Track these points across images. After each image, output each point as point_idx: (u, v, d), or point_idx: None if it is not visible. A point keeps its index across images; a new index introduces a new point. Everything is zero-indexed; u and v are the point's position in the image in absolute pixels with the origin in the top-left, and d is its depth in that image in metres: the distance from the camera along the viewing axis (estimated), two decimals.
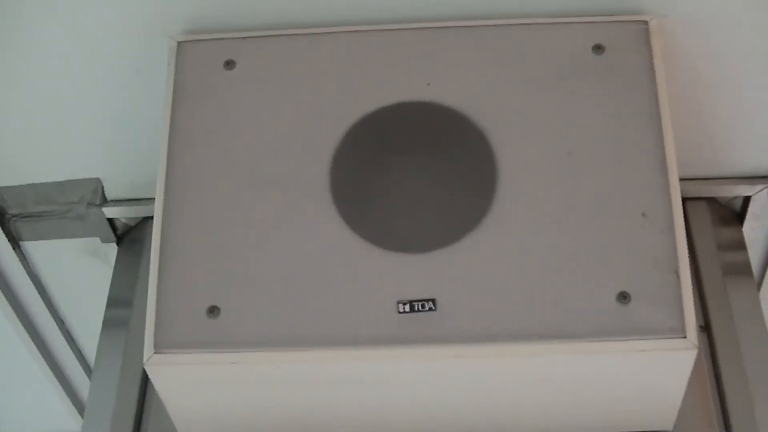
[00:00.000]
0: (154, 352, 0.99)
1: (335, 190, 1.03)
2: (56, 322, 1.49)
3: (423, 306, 0.98)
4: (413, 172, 1.03)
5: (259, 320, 0.99)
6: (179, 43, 1.10)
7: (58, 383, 1.59)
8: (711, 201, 1.30)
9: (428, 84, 1.07)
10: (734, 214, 1.30)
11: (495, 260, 0.99)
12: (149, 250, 1.03)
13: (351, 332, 0.98)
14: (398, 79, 1.07)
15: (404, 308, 0.98)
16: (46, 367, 1.55)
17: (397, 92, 1.07)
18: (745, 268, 1.27)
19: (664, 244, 0.99)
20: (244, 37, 1.10)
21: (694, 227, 1.28)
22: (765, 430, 1.13)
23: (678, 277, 0.98)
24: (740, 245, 1.29)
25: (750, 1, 1.09)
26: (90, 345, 1.55)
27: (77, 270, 1.42)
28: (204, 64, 1.09)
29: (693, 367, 0.99)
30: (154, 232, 1.03)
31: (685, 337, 0.96)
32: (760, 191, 1.26)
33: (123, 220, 1.34)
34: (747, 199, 1.28)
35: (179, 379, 1.02)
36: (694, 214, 1.28)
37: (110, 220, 1.32)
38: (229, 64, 1.09)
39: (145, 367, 1.00)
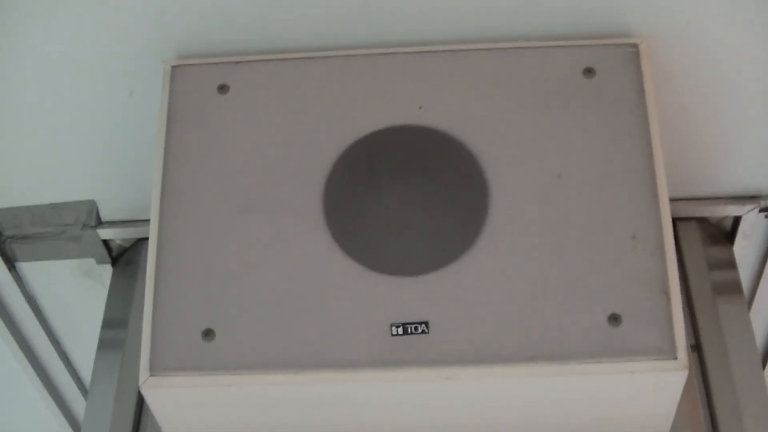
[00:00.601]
0: (150, 375, 1.00)
1: (328, 214, 1.04)
2: (52, 342, 1.50)
3: (416, 329, 0.99)
4: (406, 196, 1.04)
5: (253, 343, 0.99)
6: (173, 67, 1.11)
7: (54, 403, 1.59)
8: (701, 221, 1.30)
9: (420, 108, 1.08)
10: (724, 233, 1.31)
11: (487, 283, 1.00)
12: (144, 271, 1.04)
13: (345, 355, 0.98)
14: (390, 103, 1.08)
15: (397, 331, 0.99)
16: (42, 388, 1.55)
17: (388, 116, 1.08)
18: (735, 287, 1.27)
19: (654, 266, 1.00)
20: (237, 62, 1.11)
21: (685, 247, 1.28)
22: None
23: (668, 298, 0.98)
24: (731, 264, 1.29)
25: (738, 21, 1.09)
26: (86, 365, 1.55)
27: (72, 291, 1.42)
28: (197, 88, 1.10)
29: (684, 387, 1.00)
30: (149, 255, 1.04)
31: (676, 358, 0.97)
32: (750, 211, 1.27)
33: (118, 242, 1.34)
34: (737, 219, 1.29)
35: (175, 401, 1.03)
36: (685, 234, 1.29)
37: (105, 242, 1.33)
38: (223, 89, 1.10)
39: (141, 390, 1.00)
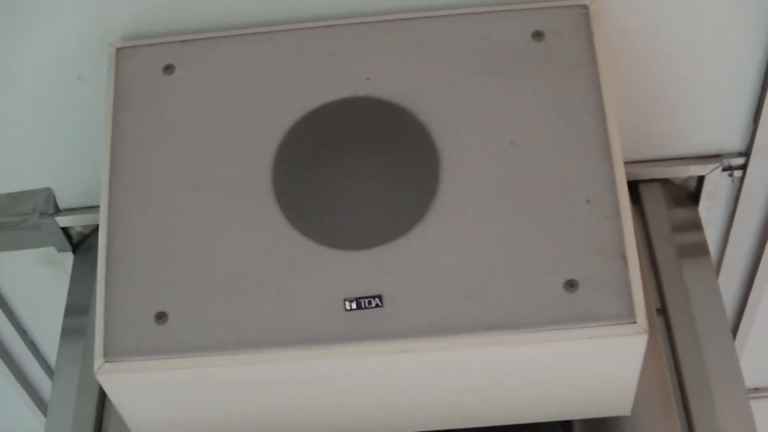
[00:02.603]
0: (105, 361, 0.99)
1: (278, 190, 1.03)
2: (18, 332, 1.49)
3: (369, 302, 0.98)
4: (355, 168, 1.03)
5: (206, 324, 0.99)
6: (118, 49, 1.10)
7: (24, 391, 1.59)
8: (665, 182, 1.29)
9: (368, 79, 1.06)
10: (689, 194, 1.30)
11: (440, 253, 0.99)
12: None
13: (299, 332, 0.98)
14: (338, 75, 1.07)
15: (351, 305, 0.98)
16: (12, 378, 1.55)
17: (337, 89, 1.06)
18: (702, 249, 1.26)
19: (610, 230, 0.98)
20: (183, 41, 1.10)
21: (648, 209, 1.27)
22: (723, 412, 1.13)
23: (626, 262, 0.97)
24: (696, 226, 1.28)
25: None
26: (53, 352, 1.54)
27: (36, 280, 1.42)
28: (143, 69, 1.09)
29: (650, 350, 0.99)
30: (99, 240, 1.03)
31: (635, 322, 0.95)
32: (713, 170, 1.26)
33: (77, 229, 1.33)
34: (701, 179, 1.28)
35: (131, 386, 1.02)
36: (648, 196, 1.28)
37: (64, 229, 1.32)
38: (168, 69, 1.08)
39: (96, 376, 0.99)
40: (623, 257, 0.97)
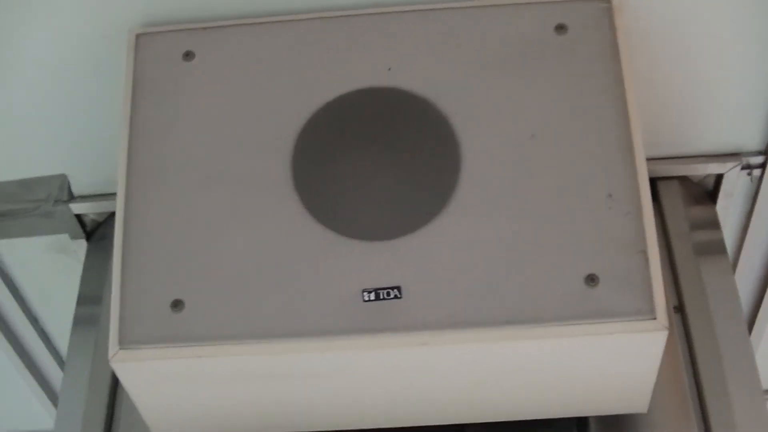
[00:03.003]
0: (120, 348, 0.98)
1: (297, 180, 1.02)
2: (29, 320, 1.48)
3: (388, 294, 0.97)
4: (376, 159, 1.02)
5: (223, 313, 0.98)
6: (138, 35, 1.09)
7: (34, 381, 1.59)
8: (683, 180, 1.29)
9: (389, 69, 1.06)
10: (707, 192, 1.30)
11: (460, 246, 0.98)
12: None
13: (316, 322, 0.97)
14: (359, 65, 1.06)
15: (369, 297, 0.97)
16: (21, 365, 1.54)
17: (358, 78, 1.06)
18: (719, 247, 1.26)
19: (631, 225, 0.98)
20: (203, 28, 1.09)
21: (666, 207, 1.27)
22: (739, 411, 1.12)
23: (646, 257, 0.97)
24: (714, 224, 1.28)
25: None
26: (64, 341, 1.54)
27: (48, 267, 1.41)
28: (163, 56, 1.08)
29: (667, 348, 0.99)
30: (116, 227, 1.02)
31: (655, 319, 0.95)
32: (731, 168, 1.25)
33: (91, 216, 1.33)
34: (719, 177, 1.27)
35: (145, 374, 1.01)
36: (666, 194, 1.27)
37: (78, 217, 1.31)
38: (188, 56, 1.08)
39: (110, 364, 0.99)
40: (644, 253, 0.97)
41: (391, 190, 1.01)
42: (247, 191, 1.02)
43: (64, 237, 1.34)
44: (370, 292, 0.97)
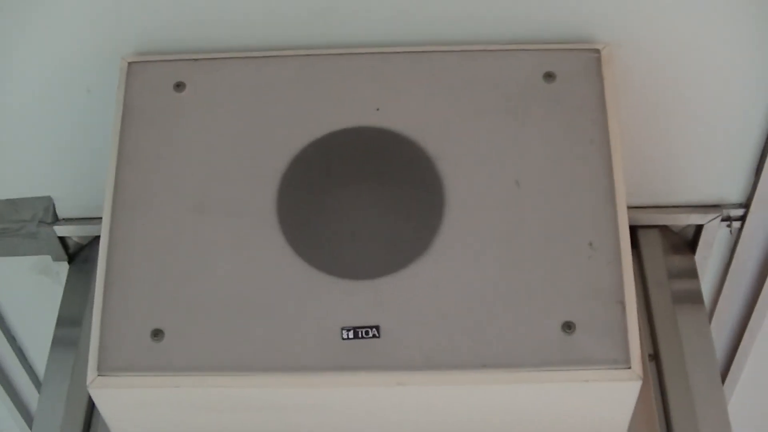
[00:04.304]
0: (98, 375, 0.99)
1: (282, 215, 1.03)
2: (7, 338, 1.48)
3: (367, 333, 0.98)
4: (361, 198, 1.03)
5: (202, 344, 0.98)
6: (129, 63, 1.10)
7: (8, 399, 1.58)
8: (663, 229, 1.30)
9: (377, 109, 1.07)
10: (686, 242, 1.31)
11: (440, 288, 0.99)
12: None
13: (294, 358, 0.98)
14: (348, 103, 1.07)
15: (348, 335, 0.98)
16: None
17: (346, 117, 1.07)
18: (696, 297, 1.27)
19: (610, 275, 0.99)
20: (195, 59, 1.10)
21: (646, 255, 1.28)
22: None
23: (624, 307, 0.98)
24: (692, 273, 1.29)
25: (700, 30, 1.09)
26: (42, 362, 1.54)
27: (29, 287, 1.41)
28: (154, 85, 1.09)
29: (641, 396, 1.00)
30: (100, 254, 1.03)
31: (630, 368, 0.96)
32: (711, 220, 1.26)
33: (75, 239, 1.33)
34: (699, 228, 1.28)
35: (123, 401, 1.01)
36: (646, 242, 1.29)
37: (62, 239, 1.31)
38: (179, 86, 1.09)
39: (88, 389, 0.99)
40: (622, 303, 0.98)
41: (375, 229, 1.02)
42: (232, 224, 1.03)
43: (47, 258, 1.34)
44: (348, 330, 0.98)
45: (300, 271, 1.01)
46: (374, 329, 0.98)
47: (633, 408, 1.01)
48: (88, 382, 0.99)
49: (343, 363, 0.97)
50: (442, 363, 0.97)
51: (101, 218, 1.05)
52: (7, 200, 1.29)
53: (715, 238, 1.28)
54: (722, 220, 1.27)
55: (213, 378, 0.98)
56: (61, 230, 1.30)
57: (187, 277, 1.01)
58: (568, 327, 0.97)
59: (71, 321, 1.29)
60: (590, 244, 1.00)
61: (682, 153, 1.21)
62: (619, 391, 0.98)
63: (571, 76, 1.07)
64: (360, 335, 0.98)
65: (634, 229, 1.28)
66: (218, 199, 1.04)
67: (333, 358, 0.97)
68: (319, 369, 0.97)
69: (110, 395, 1.00)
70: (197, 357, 0.98)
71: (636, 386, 0.97)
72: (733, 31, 1.09)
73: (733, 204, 1.26)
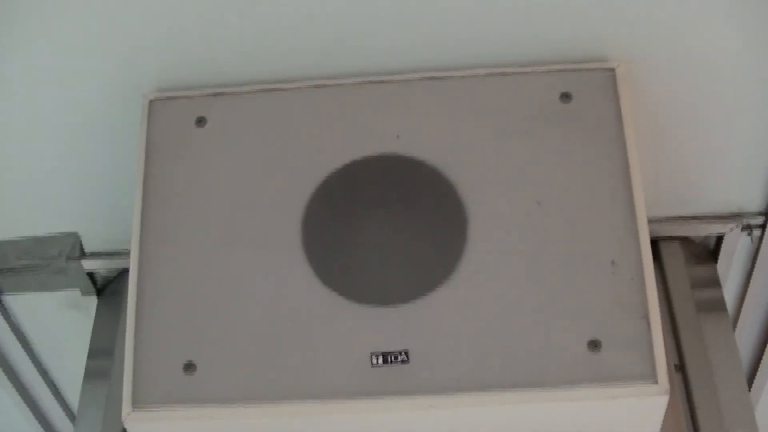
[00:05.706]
0: (133, 409, 1.00)
1: (307, 245, 1.04)
2: (40, 373, 1.50)
3: (396, 358, 0.99)
4: (385, 225, 1.04)
5: (234, 375, 1.00)
6: (151, 100, 1.11)
7: None
8: (684, 240, 1.31)
9: (398, 136, 1.08)
10: (708, 252, 1.31)
11: (467, 311, 1.00)
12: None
13: (325, 385, 0.99)
14: (368, 132, 1.08)
15: (377, 360, 0.99)
16: (32, 419, 1.55)
17: (367, 145, 1.08)
18: (719, 306, 1.28)
19: (633, 291, 1.00)
20: (215, 94, 1.11)
21: (668, 266, 1.29)
22: None
23: (648, 323, 0.98)
24: (714, 283, 1.29)
25: (715, 43, 1.10)
26: (75, 396, 1.55)
27: (59, 322, 1.43)
28: (176, 121, 1.10)
29: (668, 407, 1.00)
30: (129, 289, 1.04)
31: (657, 383, 0.97)
32: (732, 229, 1.27)
33: (102, 273, 1.34)
34: (720, 237, 1.29)
35: None
36: (668, 254, 1.29)
37: (90, 273, 1.33)
38: (201, 121, 1.10)
39: (123, 423, 1.00)
40: (646, 318, 0.99)
41: (399, 256, 1.03)
42: (258, 255, 1.04)
43: (76, 293, 1.35)
44: (378, 356, 0.99)
45: (327, 299, 1.02)
46: (403, 354, 0.99)
47: (661, 422, 1.02)
48: (123, 417, 1.00)
49: (375, 389, 0.98)
50: (472, 385, 0.98)
51: (127, 251, 1.06)
52: (35, 237, 1.30)
53: (736, 246, 1.29)
54: (742, 228, 1.27)
55: (246, 409, 0.99)
56: (88, 265, 1.32)
57: (216, 309, 1.02)
58: (594, 345, 0.98)
59: (102, 352, 1.30)
60: (612, 261, 1.01)
61: (700, 164, 1.22)
62: (647, 406, 0.99)
63: (587, 95, 1.08)
64: (390, 360, 0.99)
65: (655, 242, 1.29)
66: (244, 231, 1.05)
67: (364, 384, 0.98)
68: (351, 395, 0.98)
69: (145, 428, 1.01)
70: (230, 388, 0.99)
71: (663, 400, 0.98)
72: (745, 42, 1.10)
73: (753, 212, 1.27)
